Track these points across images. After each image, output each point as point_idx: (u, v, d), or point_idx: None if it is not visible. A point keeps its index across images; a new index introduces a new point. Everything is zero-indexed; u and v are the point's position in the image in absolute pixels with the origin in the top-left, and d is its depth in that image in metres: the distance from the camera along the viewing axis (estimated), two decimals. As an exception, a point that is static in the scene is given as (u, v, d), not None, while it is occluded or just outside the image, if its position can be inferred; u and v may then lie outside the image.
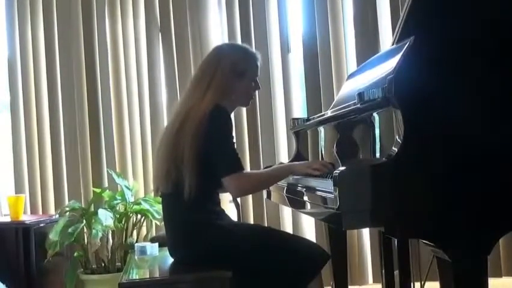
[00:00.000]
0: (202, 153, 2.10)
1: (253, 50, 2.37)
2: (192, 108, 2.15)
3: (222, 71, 2.23)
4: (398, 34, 2.32)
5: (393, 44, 2.38)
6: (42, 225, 3.53)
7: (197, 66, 3.72)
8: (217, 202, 2.28)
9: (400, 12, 3.29)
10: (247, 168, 3.57)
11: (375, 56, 2.60)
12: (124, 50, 3.94)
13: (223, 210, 2.31)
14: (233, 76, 2.25)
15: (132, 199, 3.59)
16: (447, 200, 1.58)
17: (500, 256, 3.44)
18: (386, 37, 3.60)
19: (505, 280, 3.43)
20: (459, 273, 1.58)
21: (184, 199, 2.10)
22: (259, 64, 2.34)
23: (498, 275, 3.41)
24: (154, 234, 3.63)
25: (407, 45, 1.89)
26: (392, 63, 1.91)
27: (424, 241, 1.66)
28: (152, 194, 3.69)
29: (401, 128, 1.60)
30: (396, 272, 2.67)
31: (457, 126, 1.63)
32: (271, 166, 2.60)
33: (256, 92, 2.39)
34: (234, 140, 2.21)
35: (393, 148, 1.61)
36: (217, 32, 3.86)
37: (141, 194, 3.81)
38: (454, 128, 1.63)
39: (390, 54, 2.12)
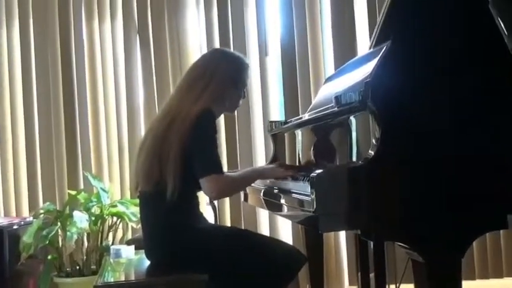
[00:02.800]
0: (186, 154, 2.10)
1: (246, 59, 2.42)
2: (182, 110, 2.15)
3: (219, 77, 2.25)
4: (375, 38, 2.34)
5: (370, 48, 2.40)
6: (15, 227, 3.48)
7: (174, 68, 3.76)
8: (196, 205, 2.27)
9: (377, 17, 3.32)
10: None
11: (353, 60, 2.62)
12: (101, 52, 3.91)
13: (201, 213, 2.30)
14: (228, 84, 2.28)
15: (108, 201, 3.56)
16: (422, 202, 1.60)
17: (474, 259, 3.49)
18: (363, 41, 3.63)
19: (478, 283, 3.48)
20: (433, 275, 1.60)
21: (165, 200, 2.08)
22: (249, 74, 2.41)
23: (471, 277, 3.46)
24: (130, 237, 3.60)
25: (384, 49, 1.91)
26: (369, 67, 1.93)
27: (399, 243, 1.68)
28: (128, 196, 3.67)
29: (378, 132, 1.62)
30: (372, 275, 2.69)
31: (433, 130, 1.65)
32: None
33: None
34: (218, 143, 2.21)
35: (369, 151, 1.63)
36: (195, 34, 3.85)
37: (117, 197, 3.78)
38: (430, 132, 1.65)
39: (367, 58, 2.13)
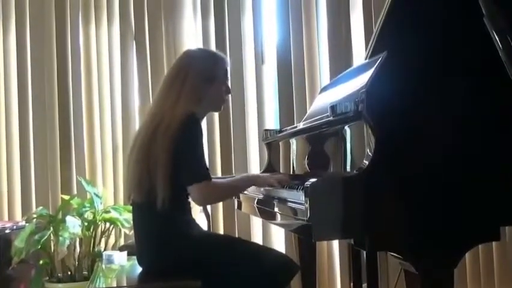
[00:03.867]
0: (174, 162, 2.09)
1: (221, 53, 2.39)
2: (165, 117, 2.14)
3: (191, 78, 2.23)
4: (371, 49, 2.36)
5: (366, 59, 2.41)
6: (7, 231, 3.46)
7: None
8: (188, 211, 2.26)
9: (373, 28, 3.34)
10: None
11: (348, 70, 2.64)
12: (97, 57, 3.91)
13: (193, 220, 2.29)
14: (203, 82, 2.25)
15: (101, 207, 3.55)
16: (415, 213, 1.61)
17: (466, 270, 3.49)
18: (359, 52, 3.64)
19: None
20: (426, 285, 1.60)
21: (157, 209, 2.08)
22: (228, 68, 2.36)
23: (464, 288, 3.46)
24: (122, 243, 3.59)
25: (379, 60, 1.92)
26: (364, 77, 1.94)
27: (392, 253, 1.69)
28: (122, 202, 3.66)
29: (372, 142, 1.62)
30: (364, 285, 2.69)
31: (428, 141, 1.66)
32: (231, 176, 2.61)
33: (229, 96, 2.40)
34: (205, 149, 2.20)
35: (364, 161, 1.63)
36: (191, 41, 3.86)
37: (110, 202, 3.77)
38: (425, 143, 1.66)
39: (363, 68, 2.14)
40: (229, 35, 3.79)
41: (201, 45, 3.80)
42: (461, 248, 1.66)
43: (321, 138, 2.10)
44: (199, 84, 2.24)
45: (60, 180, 3.81)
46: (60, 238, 3.27)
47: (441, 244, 1.61)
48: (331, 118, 1.83)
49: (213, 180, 2.15)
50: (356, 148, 1.80)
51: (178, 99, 2.18)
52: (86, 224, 3.47)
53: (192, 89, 2.21)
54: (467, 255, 3.29)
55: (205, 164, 2.15)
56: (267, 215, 2.30)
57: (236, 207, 2.88)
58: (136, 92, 3.86)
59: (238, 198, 2.73)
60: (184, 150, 2.10)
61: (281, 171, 2.62)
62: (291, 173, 2.45)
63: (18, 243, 3.27)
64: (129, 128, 3.82)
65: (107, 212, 3.51)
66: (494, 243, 3.30)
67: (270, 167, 2.77)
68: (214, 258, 2.13)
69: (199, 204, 2.20)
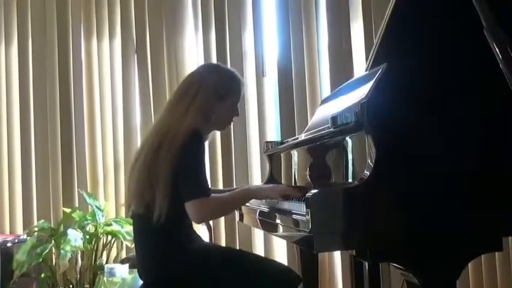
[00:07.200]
0: (175, 177, 2.08)
1: (240, 76, 2.34)
2: (172, 128, 2.12)
3: (204, 90, 2.20)
4: (371, 61, 2.37)
5: (366, 71, 2.42)
6: (9, 244, 3.46)
7: (172, 88, 3.77)
8: (189, 224, 2.25)
9: (374, 40, 3.36)
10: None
11: (349, 81, 2.64)
12: (98, 70, 3.94)
13: (194, 232, 2.28)
14: (214, 97, 2.22)
15: (103, 220, 3.55)
16: (417, 223, 1.61)
17: (469, 280, 3.48)
18: (360, 63, 3.66)
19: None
20: (428, 297, 1.60)
21: (156, 222, 2.07)
22: (242, 91, 2.32)
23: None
24: (124, 255, 3.59)
25: (379, 71, 1.93)
26: (365, 88, 1.94)
27: (394, 264, 1.68)
28: (123, 215, 3.66)
29: (373, 152, 1.63)
30: (366, 296, 2.68)
31: (428, 151, 1.66)
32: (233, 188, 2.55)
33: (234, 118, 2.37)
34: (207, 162, 2.17)
35: (365, 172, 1.63)
36: (193, 54, 3.88)
37: (112, 215, 3.77)
38: (425, 153, 1.66)
39: (363, 80, 2.15)
40: (230, 48, 3.80)
41: (202, 58, 3.83)
42: (463, 259, 1.66)
43: (323, 150, 2.10)
44: (210, 99, 2.21)
45: (62, 193, 3.82)
46: (62, 251, 3.27)
47: (443, 255, 1.61)
48: (332, 129, 1.84)
49: (212, 195, 2.11)
50: (357, 159, 1.80)
51: (187, 111, 2.15)
52: (87, 237, 3.47)
53: (202, 103, 2.18)
54: (469, 265, 3.28)
55: (205, 180, 2.11)
56: (269, 227, 2.29)
57: (238, 219, 2.88)
58: (137, 104, 3.88)
59: (240, 210, 2.73)
60: (185, 165, 2.08)
61: (283, 182, 2.62)
62: (293, 184, 2.45)
63: (19, 256, 3.27)
64: (131, 141, 3.83)
65: (109, 224, 3.51)
66: (497, 254, 3.29)
67: (272, 179, 2.77)
68: (215, 271, 2.12)
69: (196, 222, 2.15)
